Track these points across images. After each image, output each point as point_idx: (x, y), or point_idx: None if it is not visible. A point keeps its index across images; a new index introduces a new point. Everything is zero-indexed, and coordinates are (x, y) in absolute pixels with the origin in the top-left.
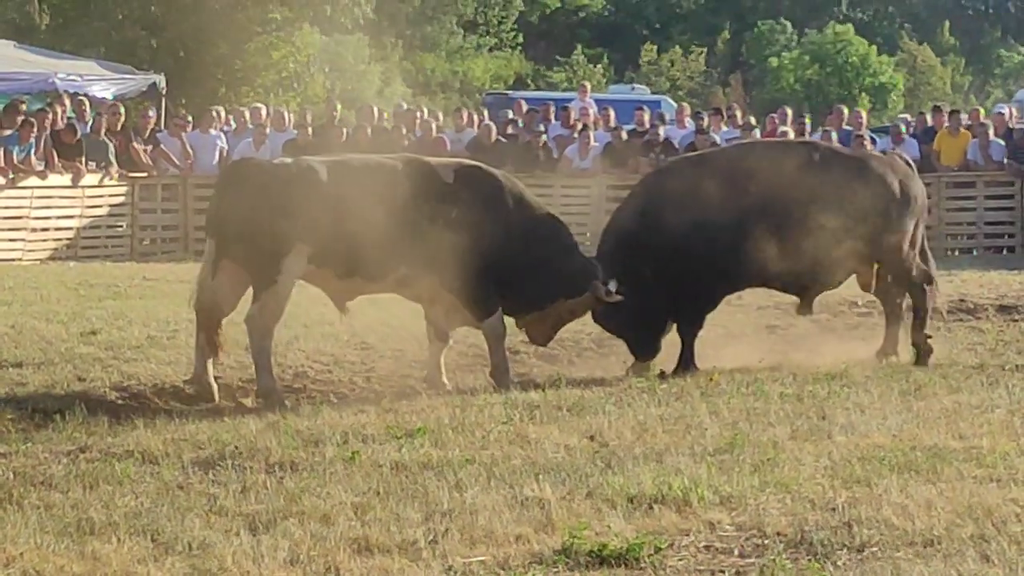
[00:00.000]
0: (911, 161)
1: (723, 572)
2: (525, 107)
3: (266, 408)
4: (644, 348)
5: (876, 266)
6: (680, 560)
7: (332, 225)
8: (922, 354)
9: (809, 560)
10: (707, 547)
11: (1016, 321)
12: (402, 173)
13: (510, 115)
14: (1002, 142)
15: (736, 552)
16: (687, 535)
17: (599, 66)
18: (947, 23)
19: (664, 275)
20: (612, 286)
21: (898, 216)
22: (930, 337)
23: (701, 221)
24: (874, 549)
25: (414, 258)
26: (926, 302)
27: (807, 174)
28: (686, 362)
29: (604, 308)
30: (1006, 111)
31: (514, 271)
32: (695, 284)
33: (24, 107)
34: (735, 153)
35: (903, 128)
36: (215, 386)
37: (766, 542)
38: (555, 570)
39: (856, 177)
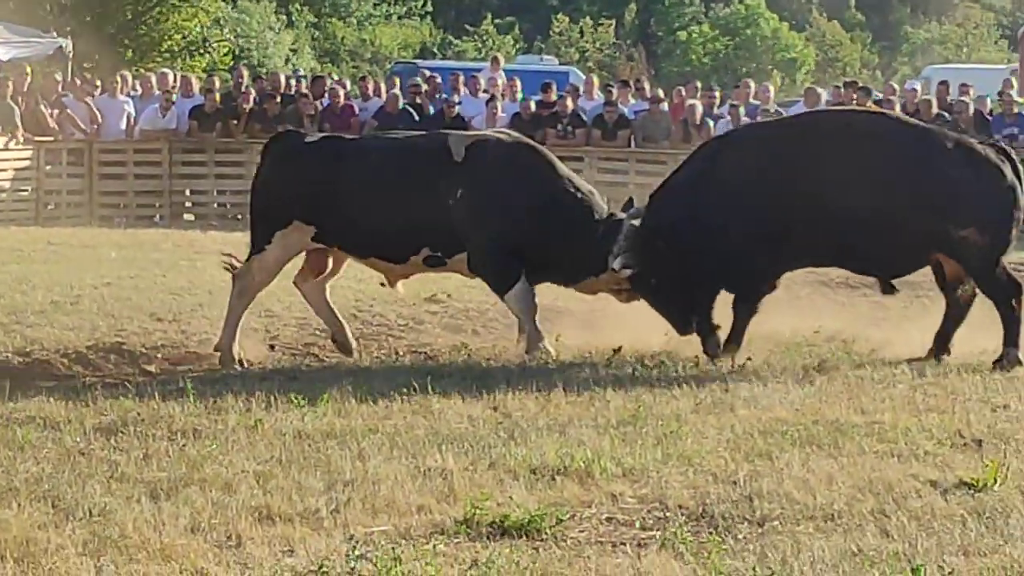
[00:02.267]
0: (1010, 153)
1: (624, 544)
2: (427, 76)
3: (219, 364)
4: (684, 322)
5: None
6: (582, 532)
7: (337, 204)
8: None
9: (710, 533)
10: (609, 519)
11: (919, 297)
12: (417, 151)
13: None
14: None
15: (638, 524)
16: (589, 507)
17: (509, 36)
18: None
19: (716, 249)
20: (617, 263)
21: (982, 210)
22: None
23: (767, 193)
24: (775, 523)
25: (431, 236)
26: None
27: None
28: (736, 337)
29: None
30: (918, 87)
31: (535, 246)
32: (753, 259)
33: None
34: (810, 121)
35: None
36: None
37: (668, 515)
38: (456, 540)
39: (948, 160)
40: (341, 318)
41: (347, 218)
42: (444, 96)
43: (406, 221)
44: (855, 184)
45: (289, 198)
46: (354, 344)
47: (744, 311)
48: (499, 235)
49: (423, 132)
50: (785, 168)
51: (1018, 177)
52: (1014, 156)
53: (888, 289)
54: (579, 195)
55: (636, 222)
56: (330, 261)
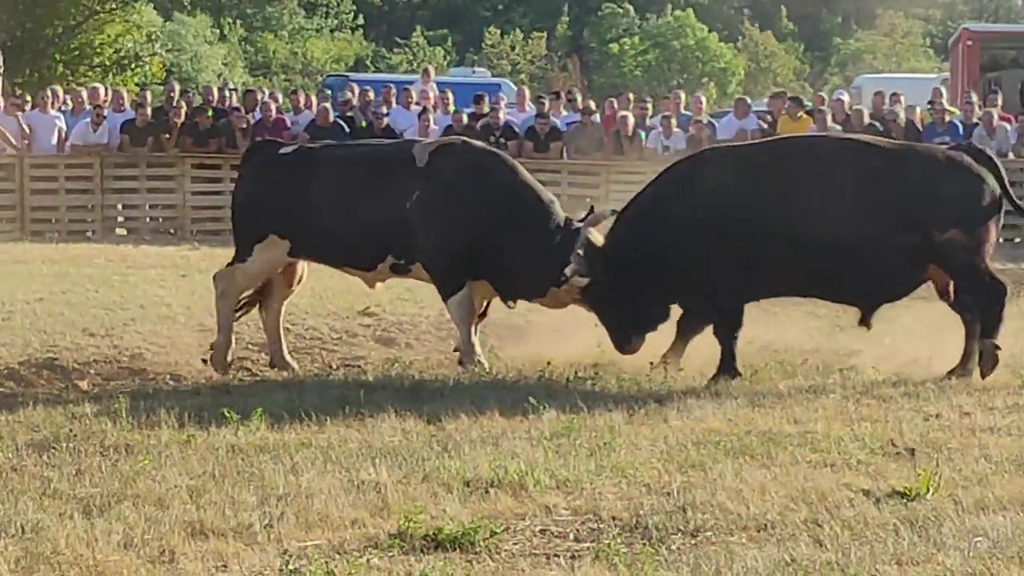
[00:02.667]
0: (991, 155)
1: (558, 556)
2: (358, 90)
3: (214, 367)
4: (625, 339)
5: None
6: (515, 544)
7: (306, 215)
8: (986, 360)
9: (644, 544)
10: (543, 531)
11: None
12: (383, 158)
13: (349, 97)
14: (839, 127)
15: (572, 536)
16: (523, 519)
17: (440, 49)
18: (784, 8)
19: (682, 271)
20: (569, 269)
21: (962, 210)
22: (999, 348)
23: (738, 213)
24: (708, 533)
25: (394, 243)
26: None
27: (855, 169)
28: (727, 366)
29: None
30: (845, 97)
31: (492, 252)
32: (729, 281)
33: None
34: (777, 145)
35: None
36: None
37: (601, 526)
38: (390, 554)
39: (918, 172)
40: (285, 347)
41: (316, 229)
42: (373, 109)
43: (370, 229)
44: (829, 211)
45: (263, 212)
46: (294, 364)
47: (725, 335)
48: (452, 238)
49: (394, 140)
50: (757, 193)
51: (998, 176)
52: (992, 155)
53: (867, 323)
54: (539, 203)
55: (594, 230)
56: (298, 274)
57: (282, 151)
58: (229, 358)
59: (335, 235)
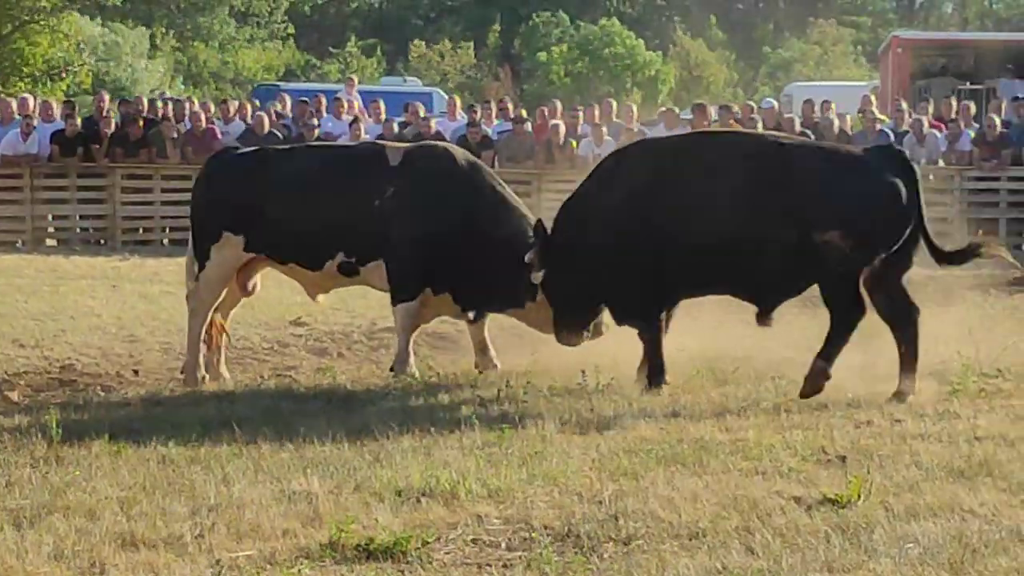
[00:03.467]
0: (908, 162)
1: (490, 565)
2: (289, 100)
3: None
4: (560, 331)
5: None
6: (447, 553)
7: (260, 210)
8: (811, 380)
9: (576, 553)
10: (474, 540)
11: (783, 315)
12: (349, 157)
13: (279, 107)
14: None
15: (503, 545)
16: (455, 528)
17: (372, 58)
18: (713, 17)
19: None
20: (528, 256)
21: (851, 219)
22: (828, 377)
23: (646, 212)
24: (640, 542)
25: (348, 240)
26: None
27: (756, 166)
28: (653, 374)
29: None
30: (775, 105)
31: (456, 258)
32: (638, 282)
33: None
34: (684, 141)
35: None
36: None
37: (533, 535)
38: (322, 564)
39: (806, 168)
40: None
41: (271, 223)
42: (303, 120)
43: (324, 223)
44: (721, 206)
45: (217, 211)
46: (227, 375)
47: (646, 339)
48: (417, 241)
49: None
50: (658, 189)
51: (910, 185)
52: (910, 163)
53: (765, 320)
54: (511, 216)
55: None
56: (252, 283)
57: (239, 152)
58: (200, 373)
59: (289, 229)
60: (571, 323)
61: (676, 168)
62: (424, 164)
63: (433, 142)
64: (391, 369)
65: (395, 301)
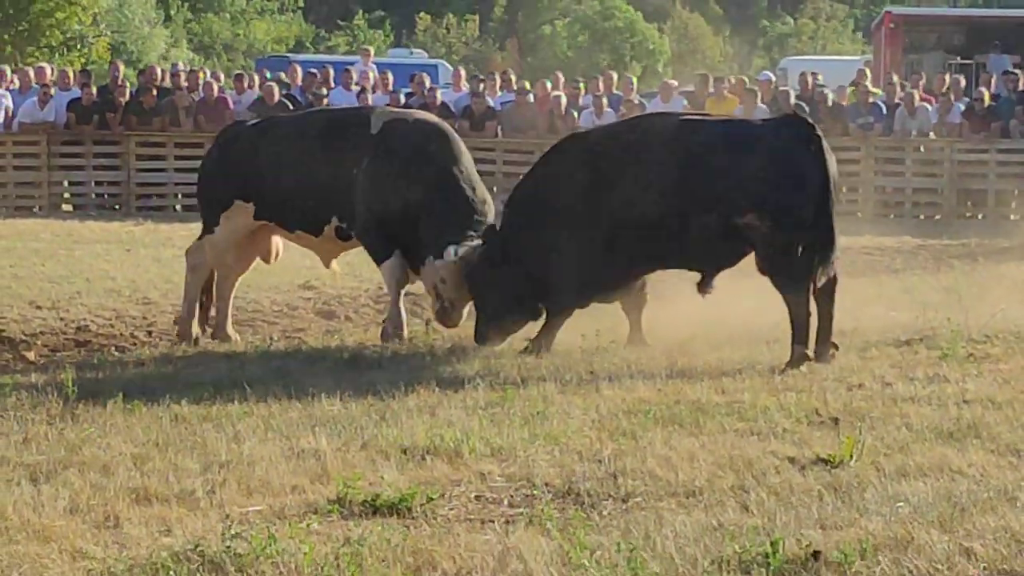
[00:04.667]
0: (814, 130)
1: (493, 521)
2: (300, 72)
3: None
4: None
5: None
6: (451, 509)
7: (267, 178)
8: (793, 365)
9: (576, 509)
10: (478, 497)
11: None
12: (339, 123)
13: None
14: (765, 107)
15: (506, 502)
16: (458, 485)
17: (380, 31)
18: None
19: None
20: (453, 250)
21: (768, 194)
22: (809, 358)
23: (578, 199)
24: (638, 499)
25: (339, 205)
26: (803, 311)
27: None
28: (540, 339)
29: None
30: (771, 78)
31: (407, 225)
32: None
33: None
34: (618, 127)
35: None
36: None
37: (535, 492)
38: (329, 519)
39: (720, 151)
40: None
41: (275, 190)
42: (313, 90)
43: (319, 189)
44: (650, 192)
45: (230, 180)
46: (236, 336)
47: (555, 317)
48: (382, 205)
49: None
50: (595, 172)
51: (817, 154)
52: (815, 130)
53: (705, 289)
54: (466, 194)
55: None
56: (273, 248)
57: (248, 123)
58: (194, 331)
59: (290, 195)
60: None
61: (610, 156)
62: (395, 135)
63: (412, 113)
64: (382, 331)
65: (376, 261)
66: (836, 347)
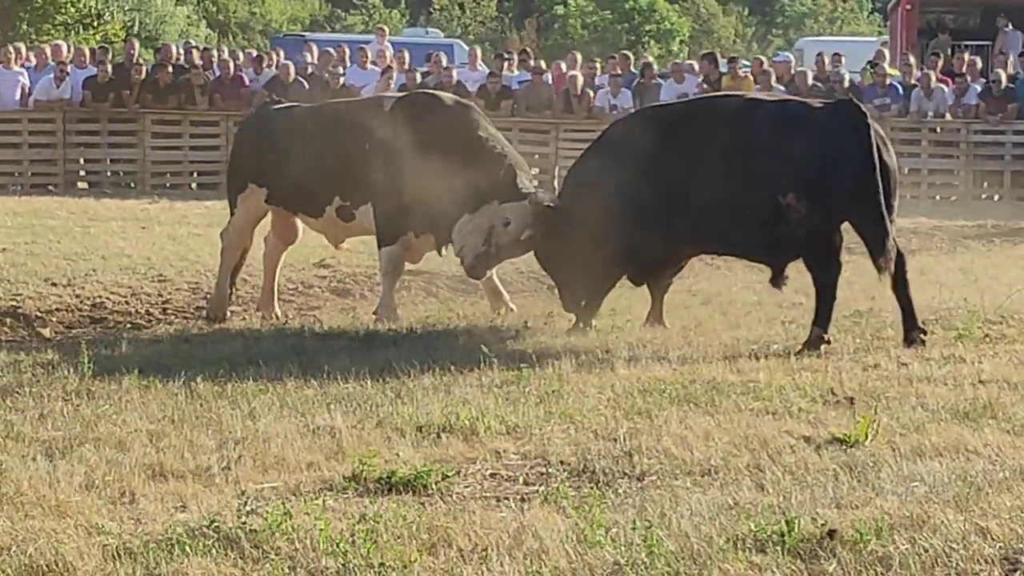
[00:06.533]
0: (865, 116)
1: (508, 499)
2: (316, 50)
3: (208, 315)
4: (573, 299)
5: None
6: (466, 487)
7: (279, 162)
8: (810, 347)
9: (591, 488)
10: (493, 475)
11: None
12: (353, 107)
13: (307, 57)
14: (783, 88)
15: (521, 480)
16: (474, 463)
17: (395, 11)
18: None
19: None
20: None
21: (802, 181)
22: (826, 341)
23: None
24: (654, 477)
25: (342, 184)
26: (830, 295)
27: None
28: (586, 316)
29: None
30: (789, 59)
31: (440, 202)
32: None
33: None
34: (678, 108)
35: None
36: None
37: (550, 470)
38: (345, 496)
39: (767, 132)
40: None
41: (284, 174)
42: (327, 69)
43: (323, 169)
44: (703, 168)
45: (246, 163)
46: (279, 313)
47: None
48: (399, 185)
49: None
50: (659, 152)
51: (864, 140)
52: (867, 116)
53: (777, 282)
54: (501, 160)
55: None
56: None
57: (272, 108)
58: (225, 307)
59: (296, 179)
60: (588, 292)
61: (672, 135)
62: (410, 110)
63: (426, 91)
64: (374, 313)
65: (380, 243)
66: (924, 331)
